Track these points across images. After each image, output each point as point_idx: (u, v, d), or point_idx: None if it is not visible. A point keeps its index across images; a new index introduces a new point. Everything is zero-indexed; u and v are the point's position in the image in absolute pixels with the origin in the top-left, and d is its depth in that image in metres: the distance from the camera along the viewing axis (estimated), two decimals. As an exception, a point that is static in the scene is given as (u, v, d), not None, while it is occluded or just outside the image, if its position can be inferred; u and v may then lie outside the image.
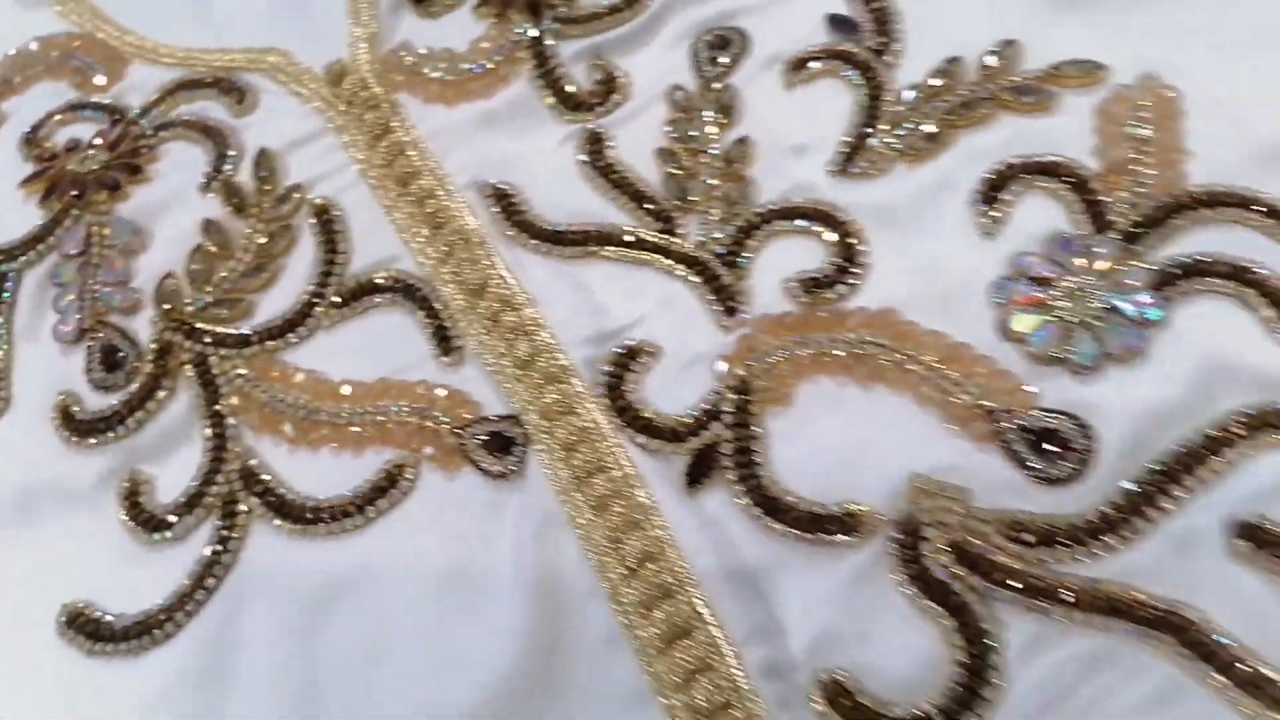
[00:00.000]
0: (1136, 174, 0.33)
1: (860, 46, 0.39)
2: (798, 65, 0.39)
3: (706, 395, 0.34)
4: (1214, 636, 0.27)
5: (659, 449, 0.33)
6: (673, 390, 0.34)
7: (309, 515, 0.35)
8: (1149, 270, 0.32)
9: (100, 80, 0.47)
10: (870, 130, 0.37)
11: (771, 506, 0.31)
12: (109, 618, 0.35)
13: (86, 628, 0.34)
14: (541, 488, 0.33)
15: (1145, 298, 0.31)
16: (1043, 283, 0.33)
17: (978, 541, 0.29)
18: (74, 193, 0.42)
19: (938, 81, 0.37)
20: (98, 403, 0.38)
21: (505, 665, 0.31)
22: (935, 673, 0.29)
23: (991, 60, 0.37)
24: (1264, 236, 0.32)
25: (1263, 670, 0.26)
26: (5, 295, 0.41)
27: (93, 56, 0.48)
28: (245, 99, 0.44)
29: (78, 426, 0.38)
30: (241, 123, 0.44)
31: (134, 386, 0.38)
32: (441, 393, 0.36)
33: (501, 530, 0.33)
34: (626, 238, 0.37)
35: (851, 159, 0.37)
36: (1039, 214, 0.34)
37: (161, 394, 0.38)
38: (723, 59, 0.40)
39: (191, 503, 0.36)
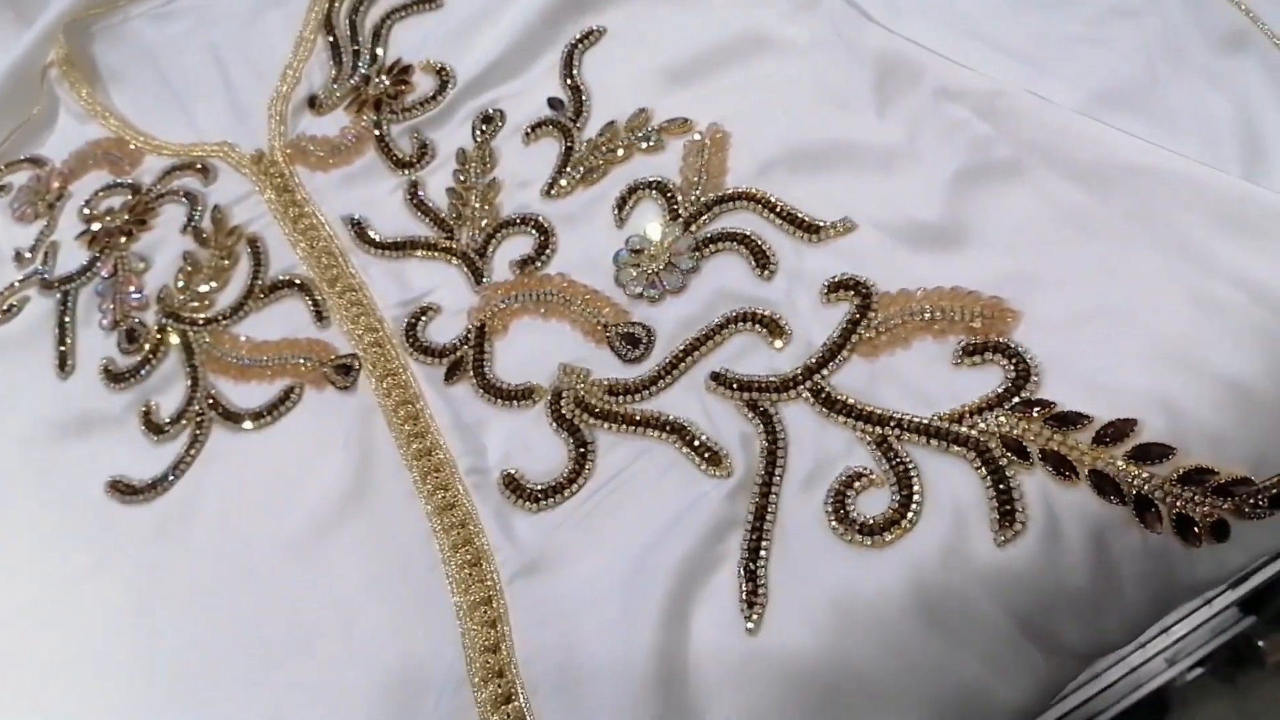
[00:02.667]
0: (695, 184, 0.57)
1: (564, 116, 0.64)
2: (529, 131, 0.64)
3: (461, 332, 0.58)
4: (691, 430, 0.50)
5: (430, 363, 0.58)
6: (445, 330, 0.59)
7: (243, 417, 0.60)
8: (693, 240, 0.56)
9: (126, 168, 0.74)
10: (563, 169, 0.62)
11: (488, 387, 0.56)
12: (135, 482, 0.60)
13: (121, 487, 0.60)
14: (367, 395, 0.58)
15: (688, 259, 0.55)
16: (636, 252, 0.57)
17: (588, 397, 0.53)
18: (107, 241, 0.69)
19: (600, 137, 0.62)
20: (124, 363, 0.64)
21: (334, 482, 0.55)
22: (562, 468, 0.53)
23: (632, 121, 0.61)
24: (757, 216, 0.55)
25: (709, 444, 0.50)
26: (69, 303, 0.67)
27: (121, 153, 0.75)
28: (210, 174, 0.70)
29: (113, 376, 0.64)
30: (207, 190, 0.70)
31: (146, 350, 0.64)
32: (316, 344, 0.61)
33: (343, 419, 0.58)
34: (428, 243, 0.62)
35: (552, 186, 0.61)
36: (647, 213, 0.58)
37: (161, 353, 0.64)
38: (488, 129, 0.65)
39: (179, 417, 0.62)
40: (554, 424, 0.53)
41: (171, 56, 0.78)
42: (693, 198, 0.57)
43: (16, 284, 0.70)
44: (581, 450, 0.52)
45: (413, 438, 0.55)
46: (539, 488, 0.52)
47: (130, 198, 0.71)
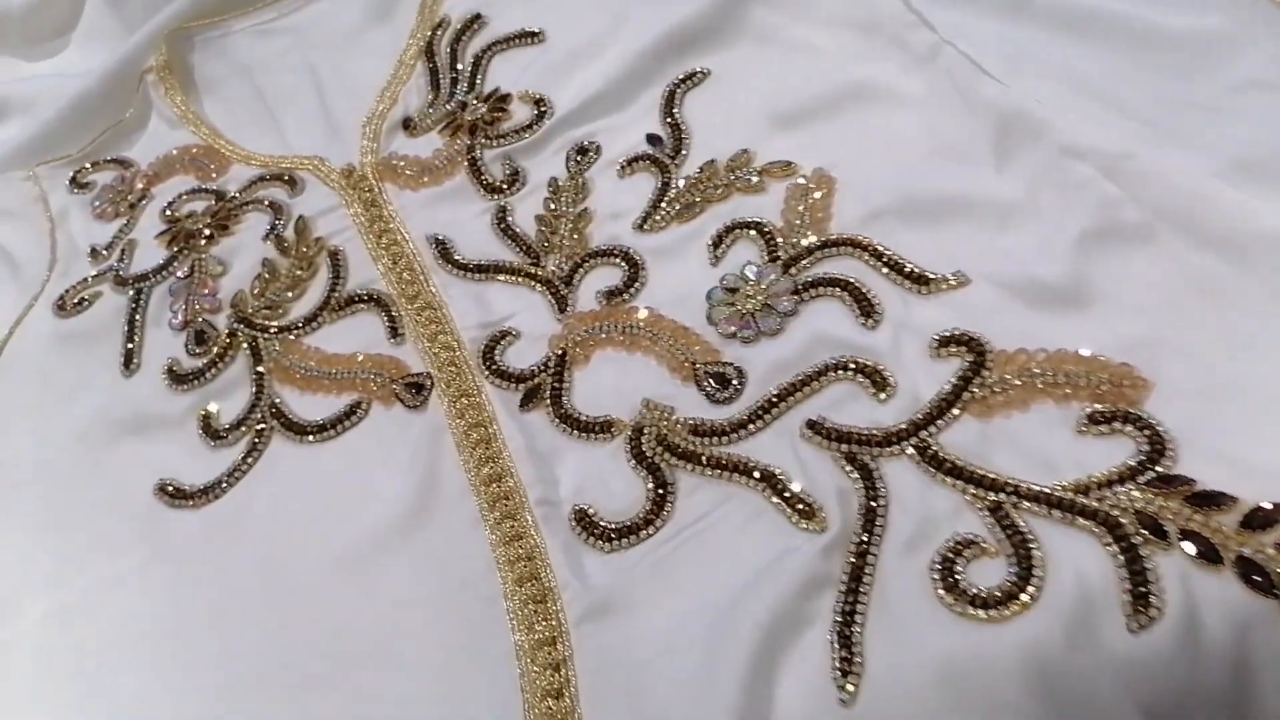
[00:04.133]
0: (796, 227, 0.55)
1: (662, 152, 0.62)
2: (625, 165, 0.63)
3: (540, 359, 0.56)
4: (783, 479, 0.47)
5: (506, 387, 0.55)
6: (524, 355, 0.57)
7: (306, 429, 0.58)
8: (792, 283, 0.53)
9: (213, 174, 0.74)
10: (658, 204, 0.60)
11: (565, 417, 0.53)
12: (186, 486, 0.58)
13: (170, 490, 0.58)
14: (437, 415, 0.56)
15: (786, 301, 0.53)
16: (731, 291, 0.54)
17: (672, 436, 0.51)
18: (186, 242, 0.68)
19: (700, 174, 0.60)
20: (190, 365, 0.63)
21: (394, 502, 0.52)
22: (638, 507, 0.49)
23: (734, 161, 0.60)
24: (861, 264, 0.53)
25: (803, 495, 0.46)
26: (142, 300, 0.66)
27: (210, 160, 0.75)
28: (297, 186, 0.69)
29: (178, 378, 0.62)
30: (293, 201, 0.69)
31: (214, 353, 0.62)
32: (388, 360, 0.59)
33: (409, 438, 0.55)
34: (512, 268, 0.60)
35: (646, 220, 0.59)
36: (744, 252, 0.56)
37: (228, 358, 0.62)
38: (583, 160, 0.64)
39: (239, 424, 0.59)
40: (632, 461, 0.50)
41: (268, 72, 0.78)
42: (794, 241, 0.55)
43: (90, 279, 0.69)
44: (661, 490, 0.49)
45: (483, 462, 0.53)
46: (613, 526, 0.49)
47: (214, 203, 0.71)
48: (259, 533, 0.54)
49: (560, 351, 0.56)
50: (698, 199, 0.59)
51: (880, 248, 0.53)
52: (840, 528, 0.45)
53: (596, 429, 0.52)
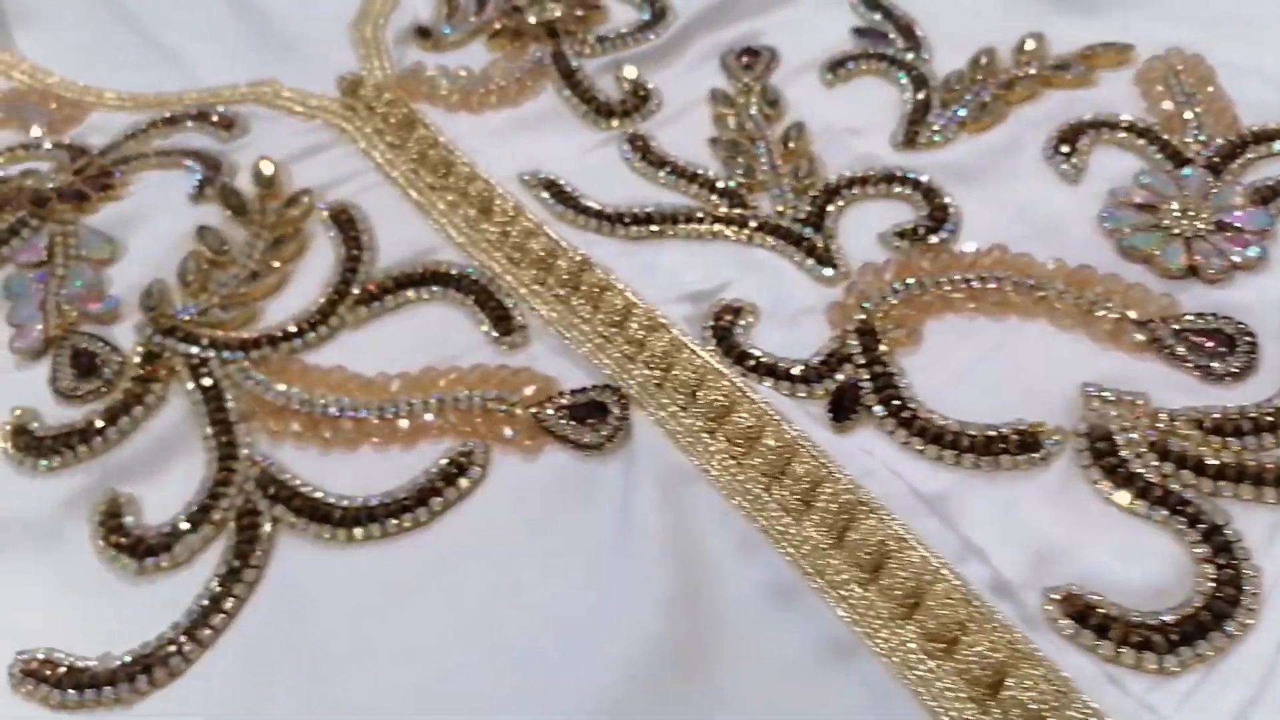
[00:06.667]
0: (1191, 122, 0.35)
1: (888, 48, 0.40)
2: (834, 67, 0.40)
3: (826, 342, 0.30)
4: None
5: (790, 391, 0.29)
6: (783, 340, 0.31)
7: (353, 517, 0.28)
8: (1242, 190, 0.32)
9: (45, 129, 0.42)
10: (926, 110, 0.37)
11: (934, 436, 0.28)
12: (86, 663, 0.26)
13: (51, 678, 0.25)
14: (654, 448, 0.28)
15: (1249, 212, 0.32)
16: (1150, 209, 0.32)
17: (1178, 439, 0.27)
18: (34, 208, 0.36)
19: (973, 71, 0.38)
20: (63, 416, 0.31)
21: (647, 637, 0.25)
22: (1171, 573, 0.25)
23: (1029, 45, 0.39)
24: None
25: None
26: (-69, 314, 0.33)
27: (40, 108, 0.43)
28: (234, 126, 0.40)
29: (37, 445, 0.30)
30: (229, 146, 0.39)
31: (116, 391, 0.31)
32: (508, 373, 0.31)
33: (606, 501, 0.28)
34: (699, 216, 0.35)
35: (917, 133, 0.37)
36: (1111, 161, 0.35)
37: (149, 400, 0.31)
38: (757, 67, 0.40)
39: (196, 519, 0.28)
40: (1119, 490, 0.26)
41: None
42: (1193, 139, 0.34)
43: None
44: (1207, 535, 0.25)
45: (822, 521, 0.26)
46: (1158, 624, 0.23)
47: (68, 160, 0.39)
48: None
49: (860, 328, 0.30)
50: (988, 100, 0.37)
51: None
52: None
53: (1008, 446, 0.27)
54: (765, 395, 0.29)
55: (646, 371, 0.30)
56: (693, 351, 0.30)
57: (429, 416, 0.30)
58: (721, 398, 0.28)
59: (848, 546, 0.25)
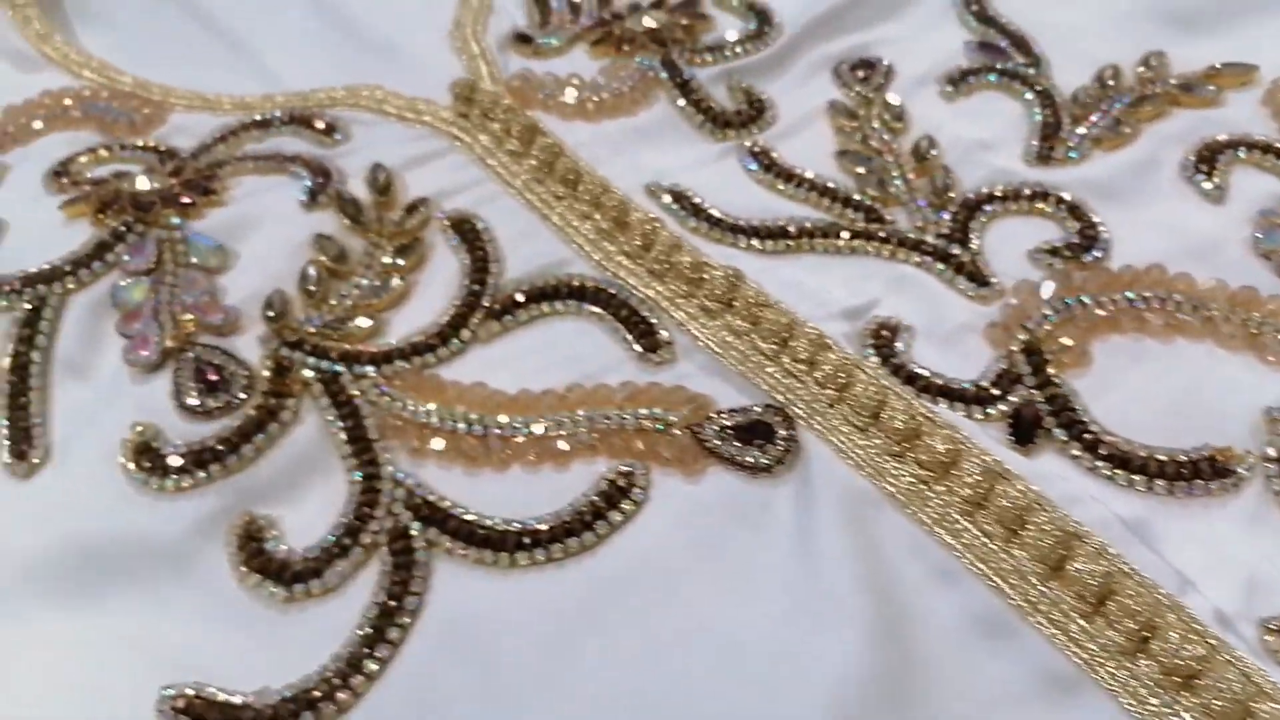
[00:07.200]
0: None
1: (1008, 64, 0.40)
2: (954, 80, 0.39)
3: (991, 361, 0.30)
4: None
5: (966, 413, 0.28)
6: (940, 360, 0.30)
7: (515, 542, 0.27)
8: (1401, 210, 0.32)
9: (127, 130, 0.40)
10: (1058, 126, 0.37)
11: (1121, 460, 0.27)
12: (244, 699, 0.24)
13: (208, 716, 0.24)
14: (829, 470, 0.27)
15: None
16: (1302, 227, 0.32)
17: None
18: (137, 212, 0.34)
19: (1099, 88, 0.38)
20: (186, 432, 0.29)
21: (852, 673, 0.23)
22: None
23: (1152, 63, 0.38)
24: None
25: None
26: (43, 328, 0.31)
27: (129, 108, 0.41)
28: (335, 132, 0.38)
29: (164, 465, 0.28)
30: (332, 153, 0.38)
31: (249, 411, 0.29)
32: (659, 391, 0.29)
33: (781, 525, 0.26)
34: (837, 230, 0.34)
35: (1052, 149, 0.36)
36: (1248, 182, 0.34)
37: (284, 416, 0.29)
38: (873, 79, 0.39)
39: (345, 543, 0.27)
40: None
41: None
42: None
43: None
44: None
45: (1033, 552, 0.24)
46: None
47: (158, 163, 0.38)
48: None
49: (1026, 348, 0.30)
50: (1120, 117, 0.37)
51: None
52: None
53: (1199, 471, 0.26)
54: (949, 417, 0.28)
55: (817, 390, 0.29)
56: (872, 372, 0.29)
57: (582, 435, 0.29)
58: (904, 419, 0.27)
59: (1067, 577, 0.24)
